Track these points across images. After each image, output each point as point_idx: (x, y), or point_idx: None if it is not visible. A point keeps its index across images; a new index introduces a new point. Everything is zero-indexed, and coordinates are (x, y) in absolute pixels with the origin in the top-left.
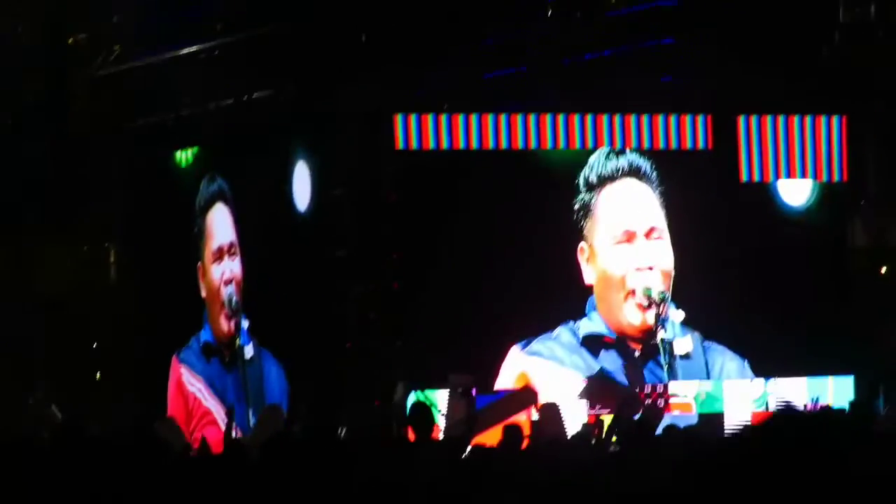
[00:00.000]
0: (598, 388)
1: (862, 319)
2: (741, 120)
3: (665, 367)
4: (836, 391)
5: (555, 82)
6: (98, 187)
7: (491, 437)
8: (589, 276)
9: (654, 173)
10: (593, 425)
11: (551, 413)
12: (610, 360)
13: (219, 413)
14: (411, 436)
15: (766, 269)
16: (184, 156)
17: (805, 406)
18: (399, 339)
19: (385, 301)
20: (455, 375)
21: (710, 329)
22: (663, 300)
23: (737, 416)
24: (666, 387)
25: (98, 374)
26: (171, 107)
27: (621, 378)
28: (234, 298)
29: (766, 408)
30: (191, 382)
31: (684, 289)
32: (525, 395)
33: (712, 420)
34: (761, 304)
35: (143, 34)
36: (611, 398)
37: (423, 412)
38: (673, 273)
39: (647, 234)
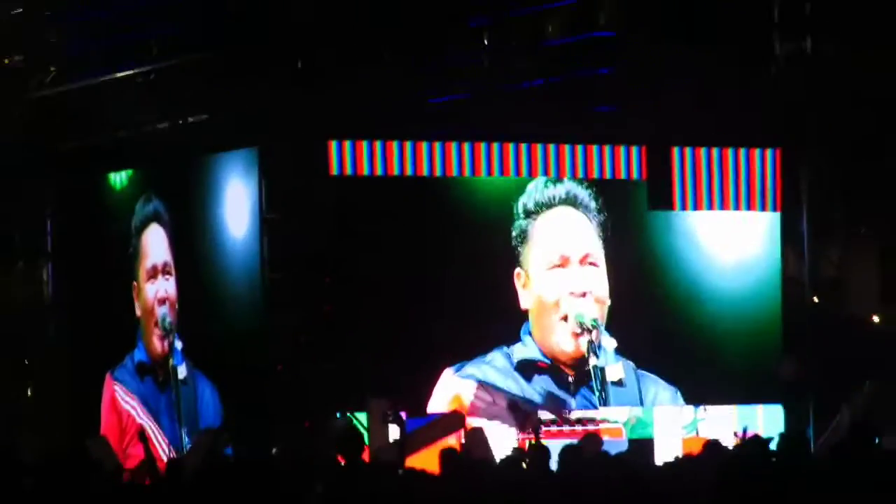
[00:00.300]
0: (515, 414)
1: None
2: (675, 151)
3: (597, 394)
4: (766, 420)
5: (492, 110)
6: (33, 206)
7: (421, 460)
8: (525, 300)
9: (592, 202)
10: (523, 449)
11: (477, 438)
12: (543, 385)
13: (153, 430)
14: (341, 459)
15: (698, 298)
16: (118, 178)
17: (735, 434)
18: (330, 362)
19: (317, 324)
20: (375, 401)
21: (643, 357)
22: (595, 327)
23: (667, 443)
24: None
25: (29, 391)
26: (106, 129)
27: (553, 403)
28: (168, 318)
29: (697, 434)
30: (125, 400)
31: (618, 317)
32: (453, 419)
33: (642, 445)
34: (692, 333)
35: (79, 57)
36: (528, 422)
37: (354, 436)
38: (607, 301)
39: (582, 261)
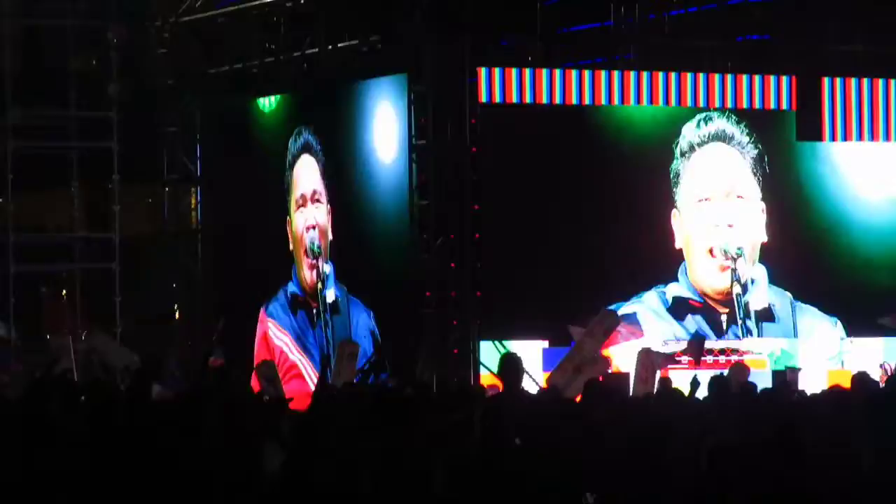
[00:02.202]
0: (696, 347)
1: None
2: (826, 81)
3: (740, 323)
4: None
5: (640, 38)
6: (182, 132)
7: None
8: (679, 239)
9: (745, 137)
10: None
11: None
12: (696, 323)
13: (304, 367)
14: (500, 386)
15: (847, 231)
16: (267, 102)
17: (881, 366)
18: (479, 289)
19: (466, 252)
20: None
21: (799, 289)
22: (739, 255)
23: (811, 374)
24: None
25: (177, 315)
26: (255, 54)
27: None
28: (317, 243)
29: (842, 366)
30: (277, 336)
31: (773, 251)
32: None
33: (786, 377)
34: (842, 266)
35: None
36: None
37: (515, 364)
38: (760, 235)
39: (727, 194)
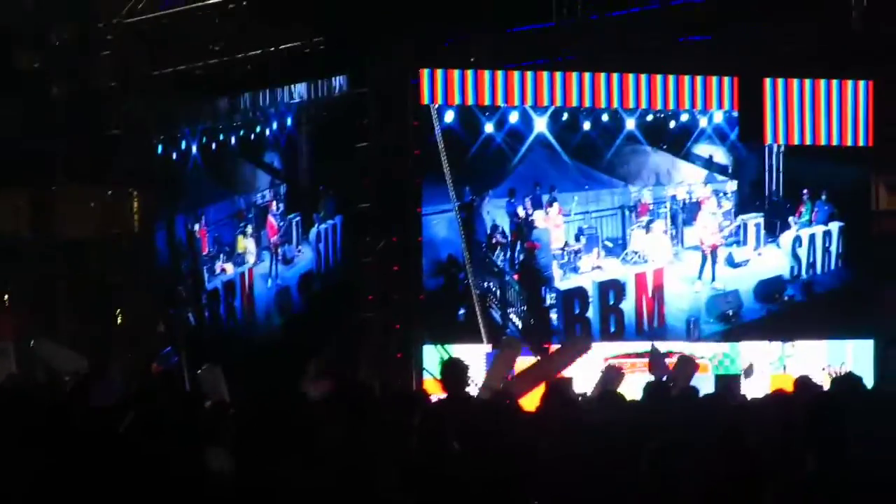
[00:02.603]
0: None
1: (882, 284)
2: (767, 82)
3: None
4: (856, 356)
5: (581, 38)
6: (124, 135)
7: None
8: None
9: None
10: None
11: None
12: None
13: None
14: (442, 390)
15: None
16: None
17: (824, 369)
18: (420, 292)
19: (409, 255)
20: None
21: None
22: None
23: (755, 379)
24: None
25: (119, 317)
26: (198, 56)
27: None
28: None
29: (784, 370)
30: None
31: None
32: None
33: (728, 381)
34: None
35: None
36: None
37: (458, 368)
38: None
39: None
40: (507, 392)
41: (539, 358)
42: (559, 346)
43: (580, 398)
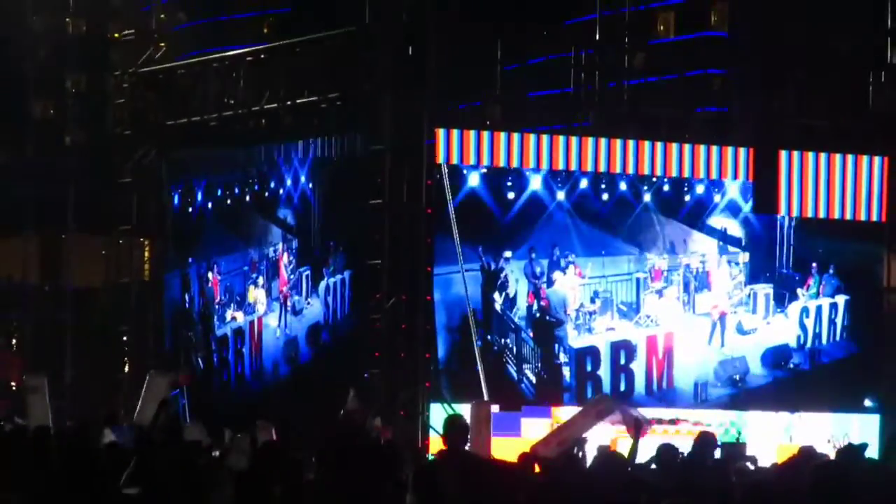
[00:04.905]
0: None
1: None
2: (783, 154)
3: None
4: (862, 428)
5: (598, 105)
6: (136, 184)
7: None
8: None
9: None
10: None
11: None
12: None
13: None
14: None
15: None
16: None
17: (829, 441)
18: (427, 350)
19: (416, 312)
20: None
21: None
22: None
23: (760, 448)
24: None
25: (126, 367)
26: (213, 108)
27: None
28: None
29: (790, 440)
30: None
31: None
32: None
33: (735, 449)
34: None
35: (188, 34)
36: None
37: (459, 424)
38: None
39: None
40: (533, 455)
41: (561, 424)
42: (582, 408)
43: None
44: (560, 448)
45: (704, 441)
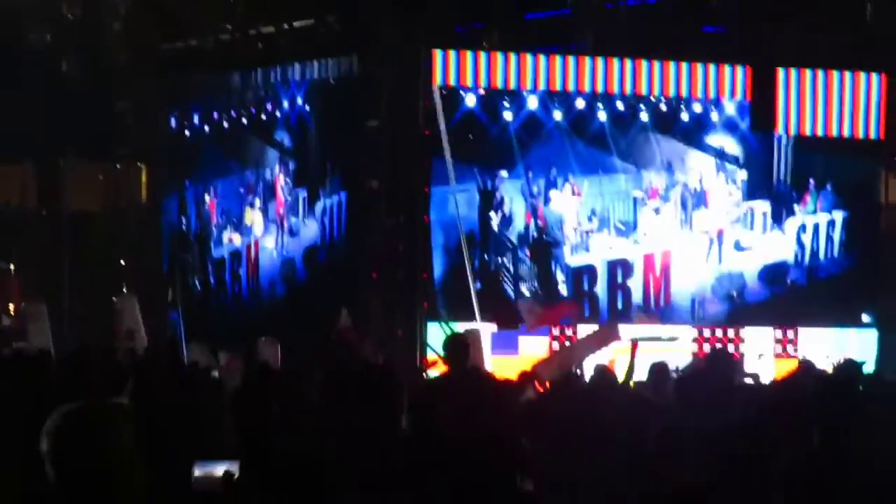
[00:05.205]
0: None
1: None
2: (780, 72)
3: None
4: (860, 344)
5: (596, 26)
6: (134, 109)
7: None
8: None
9: None
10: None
11: None
12: None
13: None
14: (444, 366)
15: None
16: None
17: (827, 357)
18: (425, 271)
19: (414, 233)
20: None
21: None
22: None
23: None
24: None
25: (124, 289)
26: (209, 31)
27: None
28: None
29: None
30: None
31: None
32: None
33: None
34: None
35: None
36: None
37: (461, 344)
38: None
39: None
40: (534, 374)
41: (567, 346)
42: (587, 334)
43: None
44: (560, 369)
45: (716, 358)
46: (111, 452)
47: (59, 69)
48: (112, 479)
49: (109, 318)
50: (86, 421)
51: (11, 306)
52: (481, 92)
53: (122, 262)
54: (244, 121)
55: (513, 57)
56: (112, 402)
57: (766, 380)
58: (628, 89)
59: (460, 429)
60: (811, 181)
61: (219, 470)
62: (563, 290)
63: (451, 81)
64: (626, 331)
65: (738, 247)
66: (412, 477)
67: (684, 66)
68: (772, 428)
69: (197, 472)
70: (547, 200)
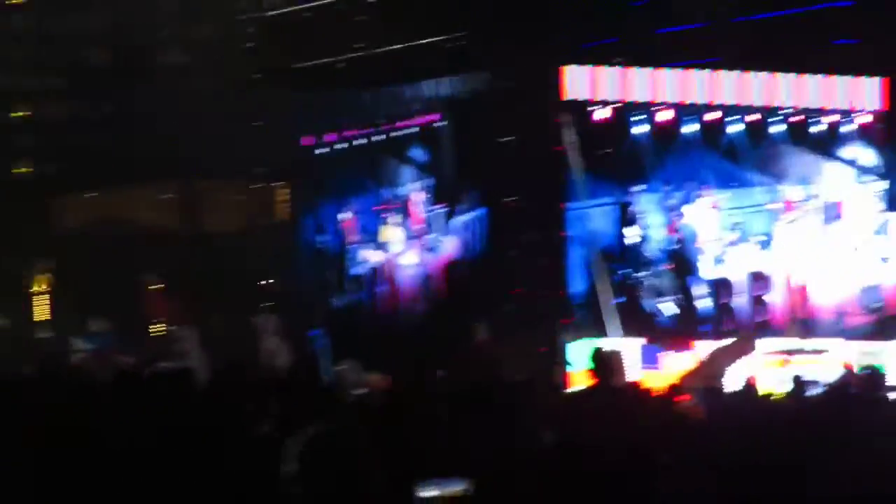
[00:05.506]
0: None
1: None
2: None
3: None
4: None
5: (727, 40)
6: (270, 129)
7: None
8: None
9: None
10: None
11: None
12: None
13: None
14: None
15: None
16: None
17: None
18: (562, 287)
19: (552, 249)
20: None
21: None
22: None
23: None
24: None
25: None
26: (340, 49)
27: None
28: None
29: None
30: None
31: None
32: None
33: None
34: None
35: None
36: None
37: (606, 358)
38: None
39: None
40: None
41: (706, 358)
42: (723, 345)
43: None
44: (706, 382)
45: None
46: (355, 475)
47: (194, 90)
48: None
49: (251, 338)
50: (333, 444)
51: (162, 321)
52: (614, 106)
53: (263, 281)
54: (378, 138)
55: (645, 71)
56: (353, 426)
57: None
58: (761, 101)
59: (603, 441)
60: None
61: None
62: (702, 304)
63: (583, 96)
64: (772, 343)
65: (878, 259)
66: (554, 491)
67: (818, 77)
68: None
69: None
70: (684, 214)
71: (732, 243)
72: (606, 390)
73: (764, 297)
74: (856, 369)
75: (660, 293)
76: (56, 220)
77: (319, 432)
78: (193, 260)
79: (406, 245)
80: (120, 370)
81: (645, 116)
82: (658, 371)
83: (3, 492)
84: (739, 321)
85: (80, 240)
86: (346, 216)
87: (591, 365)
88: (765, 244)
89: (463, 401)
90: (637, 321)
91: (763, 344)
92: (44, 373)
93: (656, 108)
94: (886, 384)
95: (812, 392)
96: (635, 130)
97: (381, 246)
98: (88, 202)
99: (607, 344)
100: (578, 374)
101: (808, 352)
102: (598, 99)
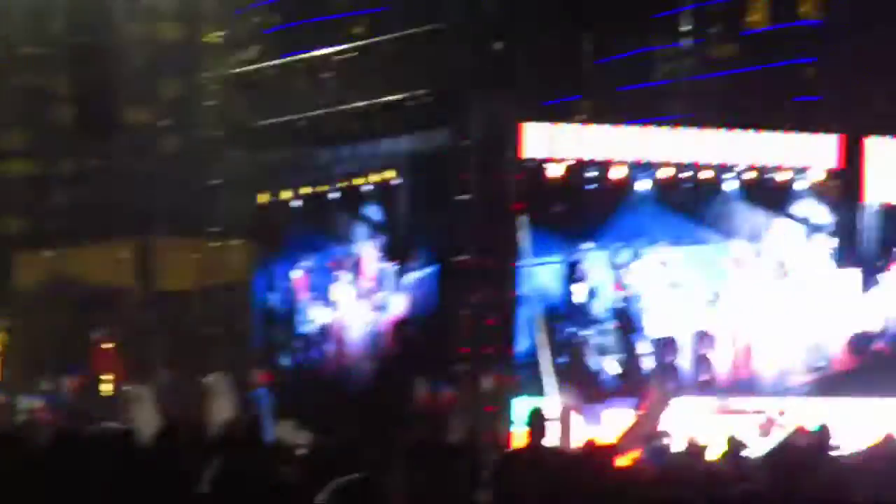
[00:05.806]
0: None
1: None
2: (869, 141)
3: None
4: None
5: (687, 97)
6: (226, 186)
7: None
8: None
9: None
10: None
11: None
12: None
13: None
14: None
15: None
16: None
17: None
18: (509, 345)
19: (502, 307)
20: None
21: None
22: None
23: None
24: None
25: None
26: (302, 108)
27: None
28: None
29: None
30: None
31: None
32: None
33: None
34: None
35: (279, 36)
36: None
37: (542, 419)
38: None
39: None
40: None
41: (638, 416)
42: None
43: None
44: (647, 442)
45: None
46: None
47: (154, 147)
48: None
49: (201, 397)
50: (357, 495)
51: (112, 379)
52: (569, 163)
53: (214, 340)
54: (334, 195)
55: (601, 129)
56: (376, 477)
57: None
58: (717, 159)
59: (540, 499)
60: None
61: None
62: (646, 362)
63: (541, 154)
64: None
65: (824, 316)
66: None
67: (775, 134)
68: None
69: None
70: (632, 271)
71: (679, 301)
72: (540, 450)
73: (708, 356)
74: (808, 429)
75: (604, 351)
76: (13, 278)
77: (344, 484)
78: (146, 318)
79: (356, 304)
80: (57, 431)
81: (597, 174)
82: (600, 429)
83: None
84: (682, 379)
85: (34, 298)
86: (297, 274)
87: (527, 424)
88: (712, 302)
89: (402, 460)
90: (581, 380)
91: (704, 402)
92: None
93: (610, 164)
94: (832, 443)
95: (748, 453)
96: (587, 187)
97: (332, 304)
98: (43, 260)
99: (546, 403)
100: (520, 433)
101: (748, 412)
102: (557, 157)
